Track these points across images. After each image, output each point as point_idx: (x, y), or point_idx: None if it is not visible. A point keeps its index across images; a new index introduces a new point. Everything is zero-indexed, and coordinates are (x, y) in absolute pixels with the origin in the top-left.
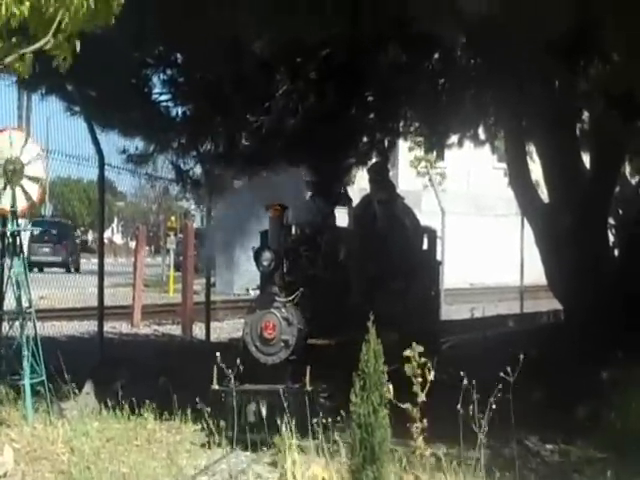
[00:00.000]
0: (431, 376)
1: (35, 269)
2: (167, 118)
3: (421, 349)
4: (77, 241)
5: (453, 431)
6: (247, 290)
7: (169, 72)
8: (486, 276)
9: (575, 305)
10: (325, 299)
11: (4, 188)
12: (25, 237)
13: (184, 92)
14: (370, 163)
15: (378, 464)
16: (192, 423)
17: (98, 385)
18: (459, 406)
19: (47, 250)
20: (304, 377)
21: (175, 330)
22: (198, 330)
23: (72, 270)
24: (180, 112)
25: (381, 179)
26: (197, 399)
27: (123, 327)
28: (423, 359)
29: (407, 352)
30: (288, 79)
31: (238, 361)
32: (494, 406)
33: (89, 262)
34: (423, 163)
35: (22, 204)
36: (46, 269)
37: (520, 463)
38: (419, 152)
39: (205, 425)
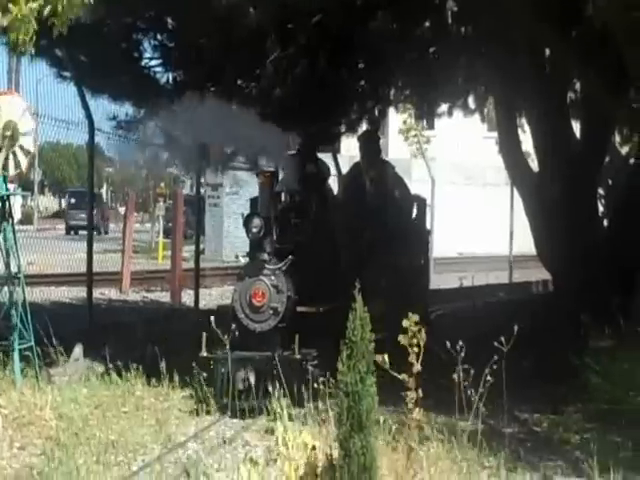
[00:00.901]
0: (422, 344)
1: (72, 232)
2: (157, 83)
3: (416, 318)
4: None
5: (443, 401)
6: (236, 257)
7: (160, 37)
8: (475, 245)
9: (564, 275)
10: (315, 267)
11: (7, 154)
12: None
13: (174, 58)
14: (360, 131)
15: (365, 432)
16: (180, 390)
17: (87, 351)
18: (455, 375)
19: (83, 216)
20: (293, 344)
21: (164, 297)
22: (187, 297)
23: (102, 232)
24: (170, 78)
25: (371, 147)
26: (194, 364)
27: (112, 293)
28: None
29: (404, 322)
30: (279, 46)
31: (227, 328)
32: (488, 377)
33: None
34: (413, 132)
35: (24, 162)
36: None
37: (509, 433)
38: (410, 120)
39: (194, 392)
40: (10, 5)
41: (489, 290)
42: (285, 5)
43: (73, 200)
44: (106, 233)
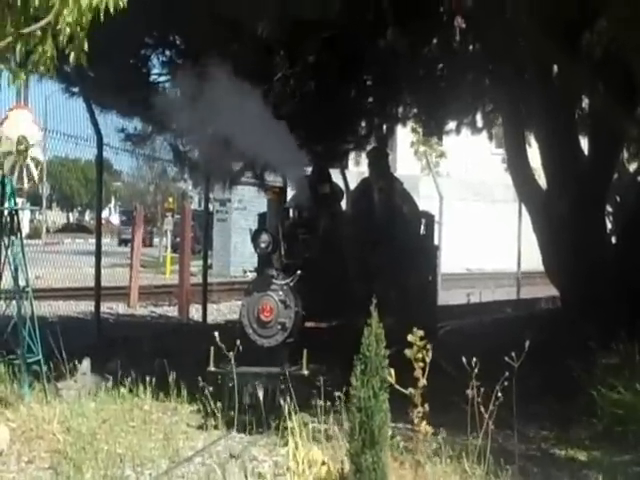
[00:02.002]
0: (428, 359)
1: (123, 244)
2: (165, 99)
3: (421, 333)
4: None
5: (452, 417)
6: (244, 272)
7: (168, 53)
8: (483, 261)
9: (571, 292)
10: (322, 282)
11: (14, 166)
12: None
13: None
14: (369, 147)
15: (377, 448)
16: (188, 404)
17: (95, 365)
18: (468, 391)
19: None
20: (301, 360)
21: (172, 311)
22: (195, 312)
23: (147, 244)
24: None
25: (380, 163)
26: (200, 379)
27: (120, 308)
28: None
29: (409, 337)
30: (287, 62)
31: (235, 343)
32: (499, 394)
33: (86, 242)
34: (422, 148)
35: (36, 173)
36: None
37: (517, 450)
38: (419, 137)
39: (202, 407)
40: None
41: (496, 306)
42: (294, 22)
43: (124, 217)
44: (150, 245)
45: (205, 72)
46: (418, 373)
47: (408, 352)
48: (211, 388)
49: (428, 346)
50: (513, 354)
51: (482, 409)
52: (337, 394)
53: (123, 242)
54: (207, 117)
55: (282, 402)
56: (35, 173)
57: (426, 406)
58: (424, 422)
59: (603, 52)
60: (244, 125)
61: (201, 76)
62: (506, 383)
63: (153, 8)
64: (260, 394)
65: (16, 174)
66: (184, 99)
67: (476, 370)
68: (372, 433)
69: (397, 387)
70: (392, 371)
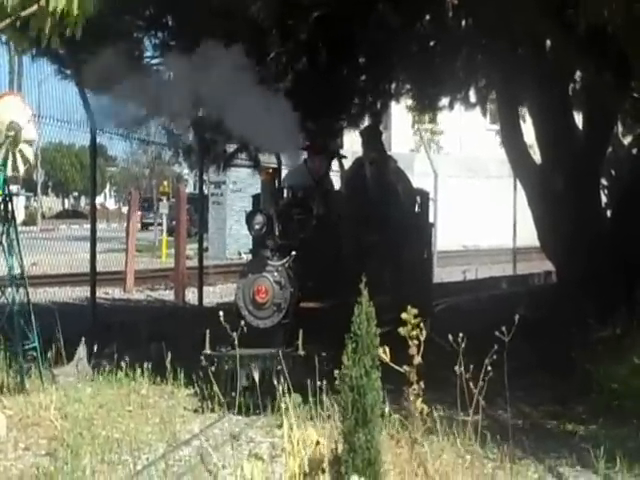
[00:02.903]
0: (422, 338)
1: (145, 227)
2: (159, 82)
3: (415, 311)
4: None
5: (448, 393)
6: (239, 254)
7: (160, 35)
8: (479, 238)
9: (568, 266)
10: (317, 262)
11: (7, 154)
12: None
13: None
14: (362, 126)
15: (370, 426)
16: (185, 388)
17: (91, 351)
18: (457, 368)
19: (151, 215)
20: (297, 340)
21: (168, 295)
22: (191, 295)
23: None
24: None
25: (373, 142)
26: (202, 357)
27: (116, 293)
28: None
29: (403, 315)
30: (279, 41)
31: (231, 325)
32: (489, 368)
33: (81, 228)
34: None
35: (21, 167)
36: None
37: (513, 425)
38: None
39: (198, 390)
40: None
41: (493, 282)
42: (285, 0)
43: (145, 204)
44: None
45: (198, 51)
46: (413, 351)
47: (402, 330)
48: (208, 371)
49: (422, 325)
50: (507, 329)
51: (472, 384)
52: (326, 375)
53: (144, 226)
54: (200, 96)
55: (277, 383)
56: (21, 168)
57: (421, 384)
58: (419, 400)
59: (596, 26)
60: (236, 103)
61: (194, 56)
62: (500, 358)
63: None
64: (256, 376)
65: (9, 163)
66: (177, 79)
67: (471, 346)
68: (364, 412)
69: (392, 365)
70: (387, 349)
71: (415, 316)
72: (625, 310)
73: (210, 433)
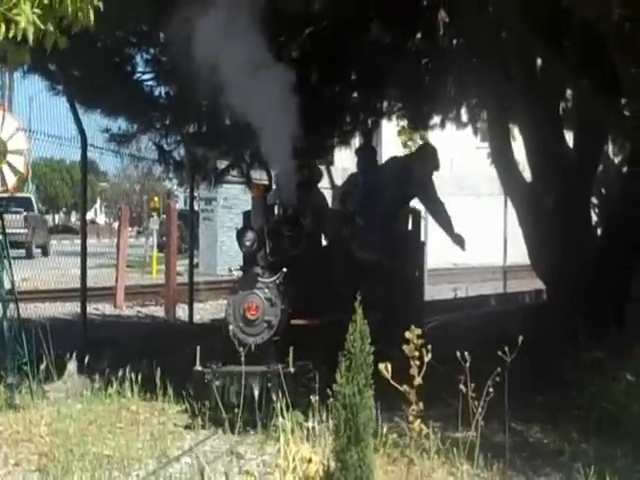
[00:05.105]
0: (427, 358)
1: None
2: (150, 98)
3: (419, 332)
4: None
5: (440, 412)
6: (230, 271)
7: (152, 51)
8: (469, 256)
9: (558, 285)
10: (309, 279)
11: None
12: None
13: (167, 72)
14: (357, 145)
15: (362, 445)
16: (175, 404)
17: (81, 367)
18: (461, 386)
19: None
20: (287, 358)
21: (158, 311)
22: (181, 311)
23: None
24: (163, 92)
25: (368, 160)
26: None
27: (106, 308)
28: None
29: (407, 334)
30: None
31: (221, 343)
32: (491, 389)
33: (72, 243)
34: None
35: (11, 180)
36: None
37: (505, 444)
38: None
39: (188, 406)
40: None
41: (483, 300)
42: (277, 17)
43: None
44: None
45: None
46: (414, 371)
47: (407, 349)
48: (200, 386)
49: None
50: (502, 349)
51: (471, 403)
52: (318, 392)
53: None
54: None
55: (269, 400)
56: (10, 180)
57: (421, 404)
58: (418, 420)
59: (586, 44)
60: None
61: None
62: (497, 379)
63: (136, 5)
64: (256, 393)
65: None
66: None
67: (462, 365)
68: (357, 430)
69: (393, 384)
70: (389, 365)
71: (418, 336)
72: (615, 329)
73: (201, 449)
